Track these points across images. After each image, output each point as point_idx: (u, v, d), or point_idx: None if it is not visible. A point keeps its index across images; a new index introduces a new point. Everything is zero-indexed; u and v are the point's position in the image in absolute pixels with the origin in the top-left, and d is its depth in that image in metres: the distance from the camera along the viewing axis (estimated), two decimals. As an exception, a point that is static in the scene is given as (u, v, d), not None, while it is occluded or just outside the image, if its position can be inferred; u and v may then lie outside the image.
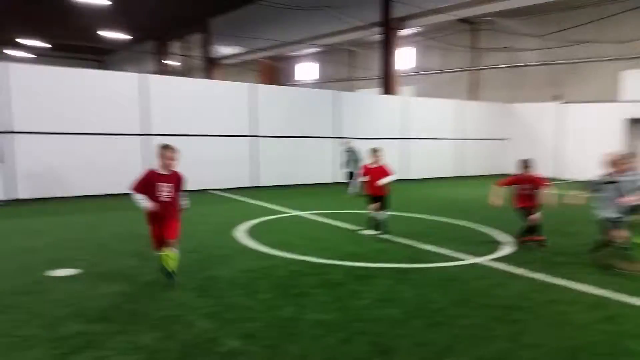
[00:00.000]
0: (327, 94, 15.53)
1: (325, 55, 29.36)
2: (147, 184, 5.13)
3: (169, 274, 5.23)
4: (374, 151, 7.99)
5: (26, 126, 10.43)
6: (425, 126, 17.44)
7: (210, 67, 27.71)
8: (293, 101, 14.54)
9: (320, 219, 9.39)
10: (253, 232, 7.93)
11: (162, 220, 5.17)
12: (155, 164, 5.28)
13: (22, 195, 10.52)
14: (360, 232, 8.08)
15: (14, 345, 3.73)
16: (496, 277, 5.78)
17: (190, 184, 12.36)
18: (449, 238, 7.74)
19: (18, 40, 28.03)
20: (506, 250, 7.01)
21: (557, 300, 5.00)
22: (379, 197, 7.82)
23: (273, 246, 6.98)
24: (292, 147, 14.41)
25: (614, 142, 16.84)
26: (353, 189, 12.49)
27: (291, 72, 32.68)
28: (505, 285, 5.45)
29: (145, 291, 5.07)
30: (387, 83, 19.13)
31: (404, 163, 16.75)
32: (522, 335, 4.14)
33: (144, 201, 5.10)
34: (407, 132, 17.02)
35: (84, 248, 6.74)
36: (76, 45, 30.13)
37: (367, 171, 7.90)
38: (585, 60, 18.61)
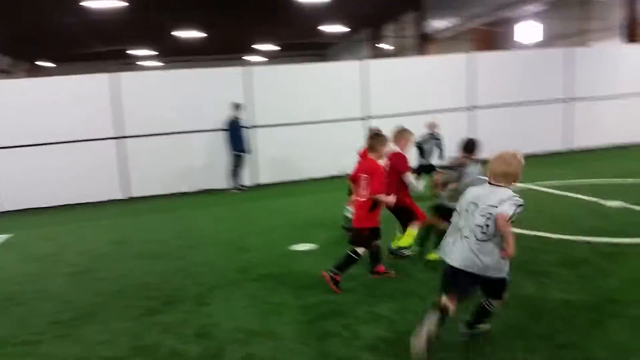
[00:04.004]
0: (555, 53, 13.94)
1: (550, 12, 26.41)
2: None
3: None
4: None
5: (265, 120, 11.76)
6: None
7: (424, 44, 27.41)
8: (514, 65, 13.41)
9: (555, 191, 8.51)
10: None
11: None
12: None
13: (262, 180, 11.92)
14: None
15: (270, 311, 4.22)
16: None
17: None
18: None
19: (254, 46, 31.85)
20: None
21: None
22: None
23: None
24: (517, 115, 13.34)
25: None
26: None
27: (510, 36, 30.27)
28: None
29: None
30: (632, 31, 16.28)
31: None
32: None
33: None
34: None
35: (317, 226, 7.26)
36: (299, 44, 32.85)
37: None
38: None
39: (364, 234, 4.66)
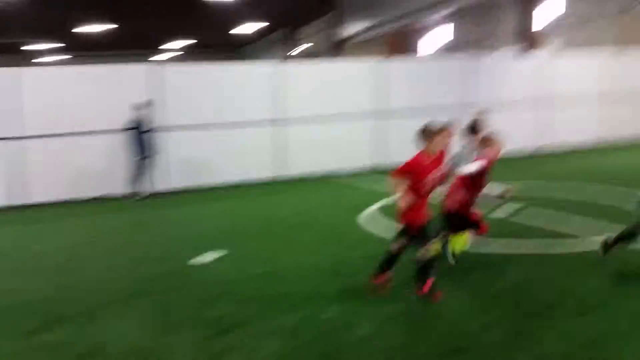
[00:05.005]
0: (458, 60, 14.63)
1: (461, 18, 27.79)
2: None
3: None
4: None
5: (173, 121, 11.30)
6: (573, 84, 15.55)
7: (339, 47, 27.86)
8: (423, 72, 13.93)
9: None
10: (376, 218, 7.69)
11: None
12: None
13: (173, 185, 11.18)
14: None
15: (167, 327, 4.04)
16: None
17: (313, 167, 12.43)
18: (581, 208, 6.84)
19: (164, 45, 30.78)
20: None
21: None
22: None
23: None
24: (425, 120, 13.85)
25: None
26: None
27: (423, 41, 31.54)
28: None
29: (287, 272, 5.22)
30: (528, 40, 17.51)
31: (543, 129, 15.22)
32: None
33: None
34: (557, 92, 15.31)
35: (223, 234, 7.06)
36: (212, 43, 32.19)
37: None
38: None
39: (411, 229, 4.37)
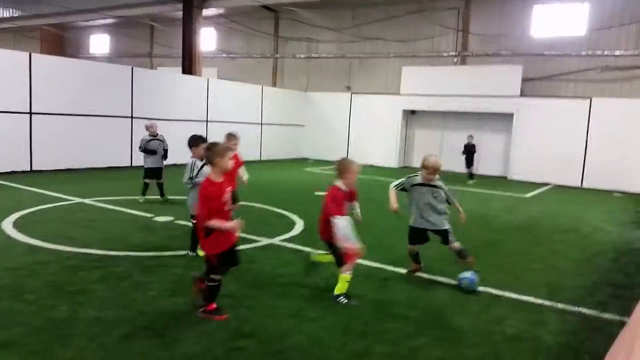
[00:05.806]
0: (123, 69, 14.33)
1: (121, 28, 27.22)
2: None
3: None
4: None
5: None
6: (228, 109, 17.35)
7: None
8: (81, 75, 13.11)
9: (108, 206, 8.63)
10: (23, 224, 6.95)
11: None
12: None
13: None
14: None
15: None
16: (286, 256, 6.04)
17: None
18: (247, 220, 7.80)
19: None
20: (298, 230, 7.38)
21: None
22: None
23: (47, 239, 6.20)
24: (79, 126, 13.00)
25: (395, 130, 19.00)
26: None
27: (82, 44, 29.54)
28: (292, 263, 5.71)
29: None
30: (189, 63, 18.48)
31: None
32: (306, 311, 4.39)
33: None
34: (210, 115, 16.74)
35: None
36: None
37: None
38: (373, 55, 20.57)
39: (210, 261, 4.14)
